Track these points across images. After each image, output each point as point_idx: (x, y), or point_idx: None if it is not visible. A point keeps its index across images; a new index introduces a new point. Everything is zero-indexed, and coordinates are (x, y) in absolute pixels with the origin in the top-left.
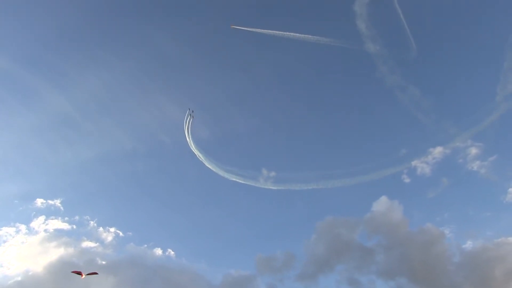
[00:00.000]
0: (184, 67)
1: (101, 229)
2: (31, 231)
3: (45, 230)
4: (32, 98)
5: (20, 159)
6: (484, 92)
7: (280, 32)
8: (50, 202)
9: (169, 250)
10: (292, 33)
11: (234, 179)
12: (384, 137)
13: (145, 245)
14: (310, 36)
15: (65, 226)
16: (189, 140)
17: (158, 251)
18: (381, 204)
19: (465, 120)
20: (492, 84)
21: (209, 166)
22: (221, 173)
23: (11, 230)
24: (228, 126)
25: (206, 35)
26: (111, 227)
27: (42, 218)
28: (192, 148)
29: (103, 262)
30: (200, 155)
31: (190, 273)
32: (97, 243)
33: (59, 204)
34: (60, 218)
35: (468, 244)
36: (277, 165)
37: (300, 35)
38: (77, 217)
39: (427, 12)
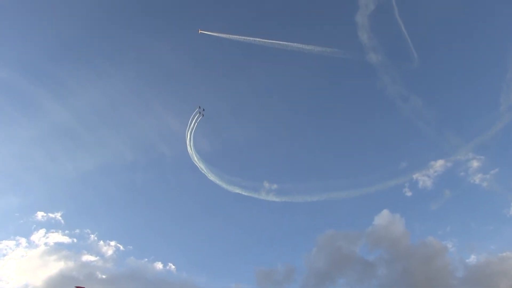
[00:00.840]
0: (185, 78)
1: (101, 242)
2: (31, 245)
3: (45, 244)
4: (33, 109)
5: (21, 170)
6: (487, 103)
7: (281, 42)
8: (51, 215)
9: (170, 264)
10: (293, 43)
11: (237, 191)
12: (386, 149)
13: (146, 259)
14: (312, 46)
15: (66, 239)
16: (190, 151)
17: (159, 265)
18: (383, 217)
19: (467, 131)
20: (495, 94)
21: (212, 178)
22: (224, 185)
23: (11, 243)
24: (229, 137)
25: (207, 46)
26: (111, 240)
27: (42, 231)
28: (194, 161)
29: (103, 276)
30: (202, 167)
31: (190, 287)
32: (98, 257)
33: (60, 217)
34: (60, 231)
35: (472, 258)
36: (279, 177)
37: (301, 45)
38: (77, 230)
39: (429, 22)
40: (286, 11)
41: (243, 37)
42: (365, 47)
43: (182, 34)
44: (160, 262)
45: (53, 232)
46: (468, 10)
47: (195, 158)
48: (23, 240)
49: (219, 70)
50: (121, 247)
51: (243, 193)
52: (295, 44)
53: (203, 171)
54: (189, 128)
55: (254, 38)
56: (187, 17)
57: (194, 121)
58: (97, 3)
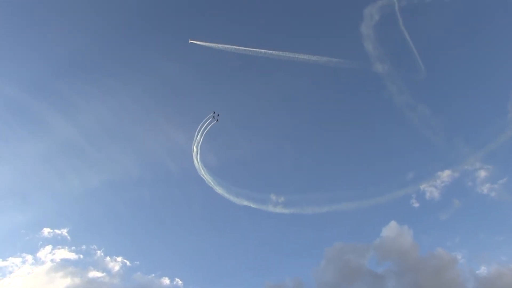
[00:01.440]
0: (191, 92)
1: (108, 258)
2: (37, 261)
3: (52, 260)
4: (40, 126)
5: (28, 187)
6: (495, 111)
7: (287, 54)
8: (57, 231)
9: (177, 279)
10: (298, 54)
11: (245, 203)
12: (392, 159)
13: (153, 274)
14: (317, 57)
15: (72, 255)
16: (197, 164)
17: (166, 281)
18: (391, 229)
19: (474, 140)
20: (503, 102)
21: (219, 191)
22: (232, 197)
23: (17, 260)
24: (235, 151)
25: (213, 61)
26: (118, 256)
27: (49, 247)
28: (201, 174)
29: None
30: (209, 179)
31: None
32: (104, 273)
33: (66, 233)
34: (67, 247)
35: (482, 270)
36: (286, 190)
37: (307, 56)
38: (84, 247)
39: (434, 31)
40: (290, 22)
41: (248, 49)
42: (371, 57)
43: (187, 48)
44: (167, 278)
45: (59, 249)
46: (473, 19)
47: (202, 171)
48: (29, 257)
49: (224, 83)
50: (128, 263)
51: (251, 205)
52: (300, 55)
53: (210, 184)
54: (195, 141)
55: (259, 50)
56: (193, 31)
57: (203, 129)
58: (104, 20)
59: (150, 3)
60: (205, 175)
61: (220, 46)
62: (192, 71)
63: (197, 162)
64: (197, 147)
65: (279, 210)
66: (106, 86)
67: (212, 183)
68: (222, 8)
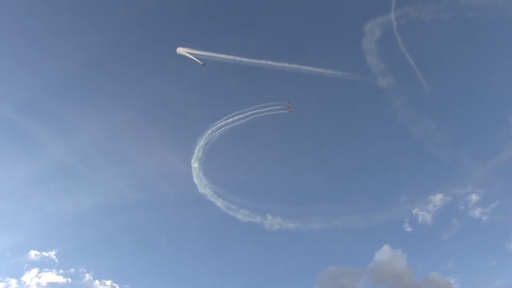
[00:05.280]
0: (187, 114)
1: (97, 281)
2: (22, 286)
3: (38, 284)
4: (32, 146)
5: (18, 209)
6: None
7: (287, 65)
8: (45, 253)
9: None
10: (300, 66)
11: (247, 220)
12: (385, 183)
13: None
14: (320, 69)
15: (60, 279)
16: (198, 180)
17: None
18: (384, 253)
19: (467, 165)
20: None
21: (220, 204)
22: (232, 212)
23: (0, 286)
24: (230, 173)
25: (210, 81)
26: (107, 280)
27: (35, 271)
28: (201, 189)
29: None
30: (211, 192)
31: None
32: None
33: (54, 256)
34: (54, 270)
35: None
36: (282, 210)
37: (308, 68)
38: (72, 270)
39: (434, 48)
40: (289, 35)
41: (248, 60)
42: (373, 73)
43: (184, 68)
44: None
45: (46, 272)
46: (472, 35)
47: (203, 187)
48: (13, 281)
49: (220, 102)
50: (117, 287)
51: (252, 219)
52: (302, 66)
53: (211, 198)
54: (195, 158)
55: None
56: (187, 44)
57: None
58: (97, 39)
59: (144, 20)
60: (206, 189)
61: (222, 56)
62: (187, 87)
63: (198, 179)
64: (198, 163)
65: (276, 227)
66: (101, 106)
67: (215, 196)
68: (221, 19)
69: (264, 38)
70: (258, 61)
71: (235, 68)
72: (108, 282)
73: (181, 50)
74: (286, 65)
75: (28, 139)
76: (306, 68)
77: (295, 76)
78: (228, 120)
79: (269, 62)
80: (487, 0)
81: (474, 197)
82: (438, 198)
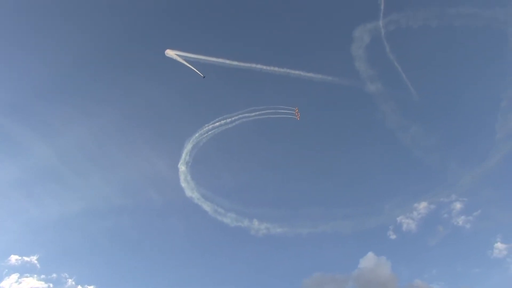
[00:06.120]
0: (174, 118)
1: (79, 287)
2: None
3: None
4: (16, 148)
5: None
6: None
7: (277, 69)
8: (26, 258)
9: None
10: (289, 70)
11: (235, 224)
12: (370, 191)
13: None
14: (310, 74)
15: (41, 284)
16: (185, 184)
17: None
18: (369, 260)
19: (452, 173)
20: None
21: (207, 207)
22: (219, 216)
23: None
24: (217, 179)
25: (197, 85)
26: (90, 285)
27: (15, 276)
28: (188, 192)
29: None
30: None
31: None
32: None
33: (36, 261)
34: (35, 275)
35: None
36: (269, 216)
37: (297, 72)
38: (54, 275)
39: (422, 55)
40: (279, 39)
41: (238, 63)
42: (362, 79)
43: (171, 72)
44: None
45: (27, 277)
46: (460, 43)
47: (191, 190)
48: None
49: (208, 106)
50: None
51: (240, 224)
52: (290, 70)
53: (199, 202)
54: (183, 161)
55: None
56: (176, 46)
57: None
58: (83, 41)
59: (131, 22)
60: (193, 192)
61: (211, 59)
62: (175, 95)
63: (185, 182)
64: (185, 166)
65: (262, 232)
66: (86, 108)
67: (202, 200)
68: (211, 22)
69: (254, 41)
70: (248, 65)
71: (223, 71)
72: (91, 287)
73: (170, 53)
74: (276, 69)
75: (12, 141)
76: (296, 72)
77: (284, 80)
78: (216, 124)
79: (258, 66)
80: (474, 9)
81: (458, 205)
82: (422, 206)
